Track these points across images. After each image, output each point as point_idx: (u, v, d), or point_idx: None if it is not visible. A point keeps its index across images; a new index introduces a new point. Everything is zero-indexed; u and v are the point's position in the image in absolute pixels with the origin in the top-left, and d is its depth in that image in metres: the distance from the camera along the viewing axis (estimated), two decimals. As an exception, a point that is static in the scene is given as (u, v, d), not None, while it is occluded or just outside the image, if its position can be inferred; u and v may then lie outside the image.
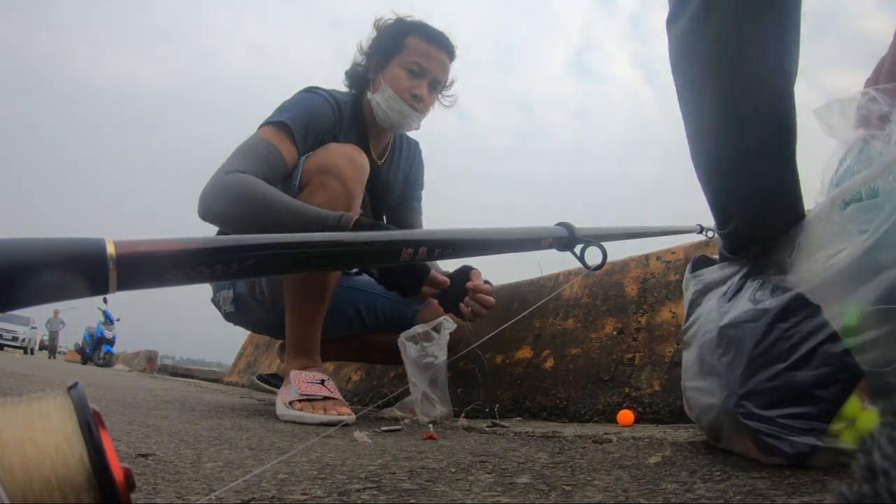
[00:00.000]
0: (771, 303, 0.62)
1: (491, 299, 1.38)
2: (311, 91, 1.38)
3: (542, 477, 0.62)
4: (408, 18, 1.43)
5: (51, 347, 15.70)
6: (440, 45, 1.40)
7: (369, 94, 1.42)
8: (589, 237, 0.90)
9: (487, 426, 1.14)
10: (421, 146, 1.67)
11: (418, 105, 1.39)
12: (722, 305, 0.69)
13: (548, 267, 1.72)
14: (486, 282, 1.43)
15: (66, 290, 0.41)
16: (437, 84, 1.43)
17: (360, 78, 1.44)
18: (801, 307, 0.60)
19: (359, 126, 1.43)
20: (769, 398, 0.60)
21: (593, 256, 0.90)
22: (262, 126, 1.31)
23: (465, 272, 1.42)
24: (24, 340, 16.69)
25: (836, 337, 0.57)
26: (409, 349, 1.30)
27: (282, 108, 1.33)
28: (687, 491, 0.52)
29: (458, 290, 1.39)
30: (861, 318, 0.57)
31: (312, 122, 1.32)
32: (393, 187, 1.58)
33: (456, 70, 1.47)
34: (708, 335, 0.69)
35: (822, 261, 0.60)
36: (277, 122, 1.28)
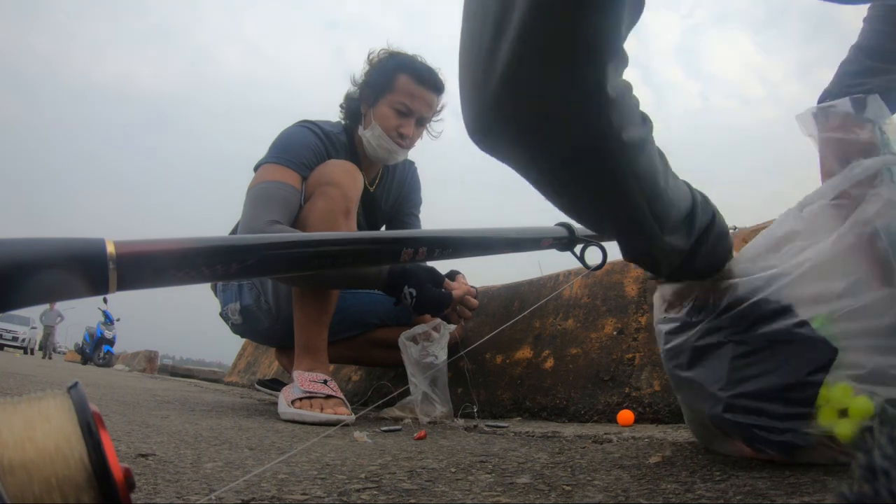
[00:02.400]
0: (738, 312, 0.63)
1: (474, 301, 1.49)
2: (302, 125, 1.49)
3: (542, 477, 0.62)
4: (399, 54, 1.51)
5: (46, 345, 13.18)
6: (428, 85, 1.48)
7: (360, 129, 1.53)
8: (589, 237, 0.90)
9: (487, 426, 1.14)
10: (416, 165, 1.76)
11: (404, 142, 1.50)
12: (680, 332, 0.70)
13: (548, 267, 1.73)
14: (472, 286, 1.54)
15: (67, 289, 0.41)
16: (424, 120, 1.53)
17: (354, 111, 1.56)
18: (772, 311, 0.61)
19: (352, 156, 1.53)
20: (754, 397, 0.61)
21: (593, 256, 0.90)
22: (264, 163, 1.41)
23: (451, 276, 1.53)
24: (24, 340, 16.65)
25: (806, 323, 0.59)
26: (409, 349, 1.31)
27: (279, 145, 1.45)
28: (687, 491, 0.52)
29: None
30: (826, 324, 0.58)
31: (306, 154, 1.43)
32: (385, 208, 1.69)
33: (445, 99, 1.55)
34: (680, 356, 0.70)
35: (787, 257, 0.63)
36: (280, 160, 1.40)
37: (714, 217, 0.64)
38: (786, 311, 0.61)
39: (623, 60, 0.47)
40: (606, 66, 0.45)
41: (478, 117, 0.50)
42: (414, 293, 1.33)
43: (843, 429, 0.56)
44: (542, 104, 0.46)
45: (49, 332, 13.34)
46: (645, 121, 0.53)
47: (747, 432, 0.61)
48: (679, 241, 0.60)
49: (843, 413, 0.56)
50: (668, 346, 0.71)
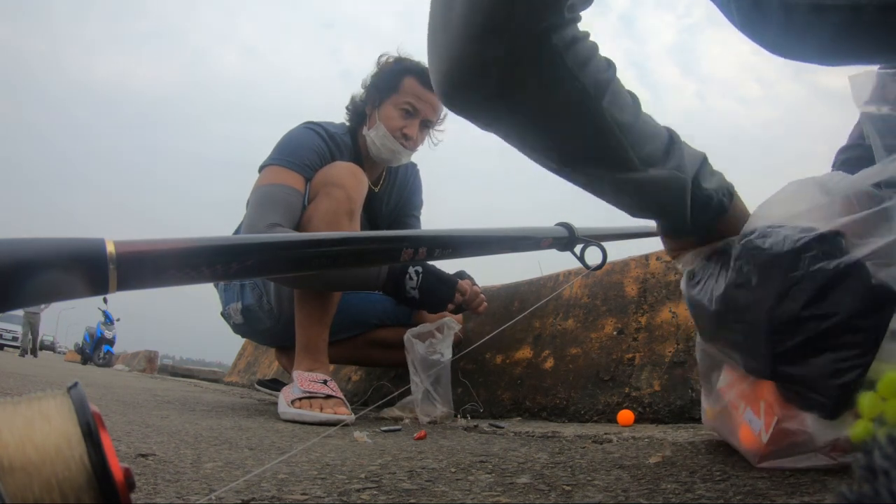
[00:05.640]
0: (777, 248, 0.57)
1: (477, 289, 1.46)
2: (306, 127, 1.49)
3: (542, 477, 0.62)
4: (407, 59, 1.51)
5: (27, 341, 10.61)
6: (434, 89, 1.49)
7: (365, 129, 1.53)
8: (589, 237, 0.90)
9: (487, 426, 1.14)
10: (418, 167, 1.76)
11: (408, 143, 1.50)
12: (709, 280, 0.66)
13: (548, 267, 1.73)
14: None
15: (67, 289, 0.41)
16: (429, 123, 1.53)
17: (359, 112, 1.56)
18: (814, 243, 0.54)
19: (356, 158, 1.53)
20: (803, 351, 0.55)
21: (593, 256, 0.90)
22: (268, 165, 1.42)
23: (460, 276, 1.50)
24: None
25: (860, 265, 0.52)
26: (416, 346, 1.31)
27: (282, 147, 1.45)
28: (687, 491, 0.52)
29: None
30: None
31: (310, 156, 1.43)
32: (387, 210, 1.69)
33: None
34: (708, 307, 0.65)
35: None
36: (283, 162, 1.40)
37: (699, 154, 0.67)
38: (836, 242, 0.54)
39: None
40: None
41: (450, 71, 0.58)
42: (420, 270, 1.34)
43: (858, 429, 0.52)
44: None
45: (33, 320, 10.89)
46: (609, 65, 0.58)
47: (797, 395, 0.56)
48: (662, 171, 0.62)
49: (881, 422, 0.51)
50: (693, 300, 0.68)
